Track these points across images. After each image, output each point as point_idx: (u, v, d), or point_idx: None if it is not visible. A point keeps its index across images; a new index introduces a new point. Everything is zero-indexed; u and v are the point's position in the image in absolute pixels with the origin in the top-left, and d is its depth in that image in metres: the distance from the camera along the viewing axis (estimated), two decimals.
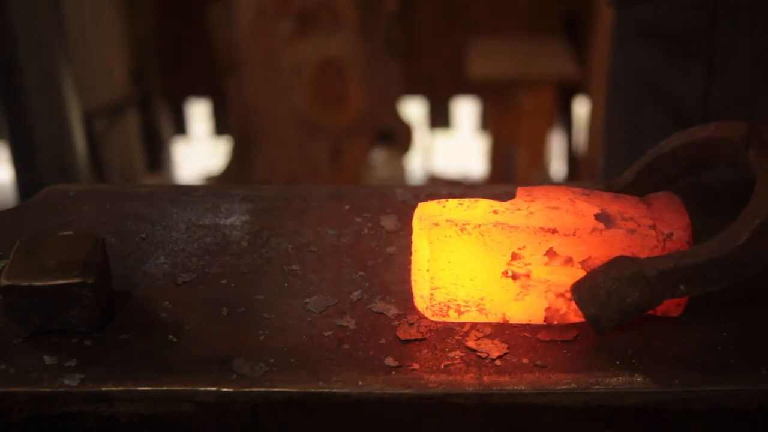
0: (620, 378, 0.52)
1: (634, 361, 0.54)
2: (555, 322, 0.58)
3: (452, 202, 0.58)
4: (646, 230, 0.57)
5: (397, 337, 0.56)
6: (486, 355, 0.54)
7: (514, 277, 0.57)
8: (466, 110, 3.27)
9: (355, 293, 0.61)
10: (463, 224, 0.56)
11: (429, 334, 0.56)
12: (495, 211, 0.57)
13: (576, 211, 0.57)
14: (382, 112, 2.64)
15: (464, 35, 2.88)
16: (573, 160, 2.93)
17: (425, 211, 0.58)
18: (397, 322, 0.57)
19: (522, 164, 2.74)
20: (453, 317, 0.58)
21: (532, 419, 0.52)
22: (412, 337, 0.56)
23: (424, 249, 0.57)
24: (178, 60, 3.00)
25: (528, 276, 0.57)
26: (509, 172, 2.77)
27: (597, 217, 0.57)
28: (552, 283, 0.57)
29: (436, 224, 0.56)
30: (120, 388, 0.51)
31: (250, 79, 2.55)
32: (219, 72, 2.65)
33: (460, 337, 0.56)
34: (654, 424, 0.52)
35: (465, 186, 0.76)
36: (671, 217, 0.58)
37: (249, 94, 2.56)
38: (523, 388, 0.52)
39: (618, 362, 0.54)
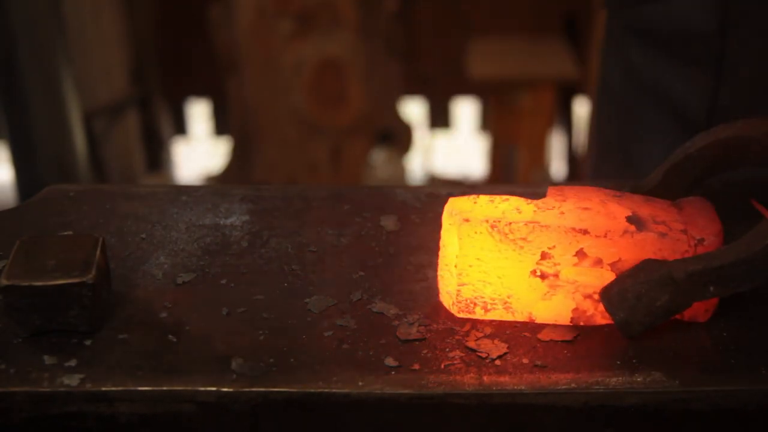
0: (620, 378, 0.52)
1: (634, 361, 0.54)
2: (581, 323, 0.58)
3: (483, 199, 0.58)
4: (678, 234, 0.56)
5: (397, 337, 0.56)
6: (486, 355, 0.54)
7: (543, 276, 0.57)
8: (466, 110, 3.27)
9: (355, 293, 0.61)
10: (495, 221, 0.56)
11: (429, 334, 0.56)
12: (526, 210, 0.57)
13: (608, 212, 0.57)
14: (382, 112, 2.64)
15: (464, 35, 2.88)
16: (573, 160, 2.93)
17: (456, 207, 0.57)
18: (397, 322, 0.57)
19: (522, 164, 2.74)
20: (479, 314, 0.58)
21: (532, 419, 0.52)
22: (412, 337, 0.56)
23: (453, 245, 0.57)
24: (178, 60, 3.00)
25: (557, 276, 0.57)
26: (509, 172, 2.77)
27: (629, 219, 0.57)
28: (580, 284, 0.57)
29: (467, 220, 0.56)
30: (120, 388, 0.51)
31: (250, 79, 2.55)
32: (219, 72, 2.65)
33: (460, 337, 0.56)
34: (654, 424, 0.52)
35: (465, 186, 0.76)
36: (703, 222, 0.58)
37: (249, 94, 2.56)
38: (523, 388, 0.52)
39: (618, 362, 0.54)
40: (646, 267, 0.55)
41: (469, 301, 0.58)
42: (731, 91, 0.85)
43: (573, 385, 0.52)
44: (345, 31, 2.48)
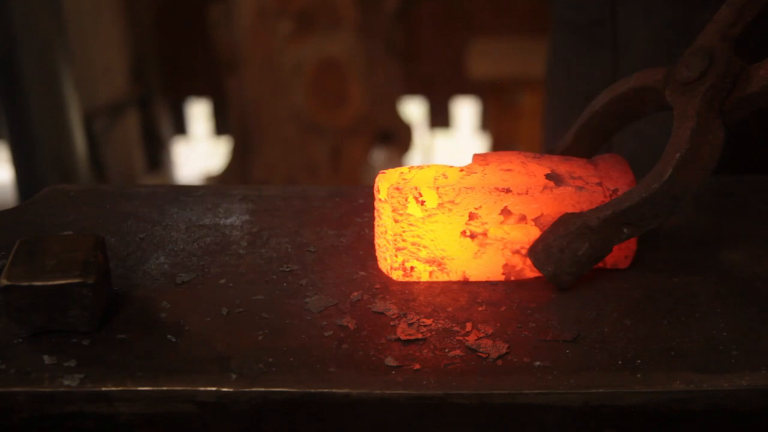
0: (620, 378, 0.52)
1: (634, 361, 0.54)
2: (512, 278, 0.62)
3: (410, 169, 0.62)
4: (594, 187, 0.61)
5: (397, 337, 0.56)
6: (486, 355, 0.54)
7: (472, 236, 0.61)
8: (466, 110, 3.27)
9: (355, 293, 0.61)
10: (423, 188, 0.59)
11: (429, 334, 0.56)
12: (452, 175, 0.61)
13: (528, 171, 0.61)
14: (382, 112, 2.64)
15: (464, 35, 2.88)
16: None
17: (386, 177, 0.61)
18: (397, 322, 0.57)
19: None
20: (416, 277, 0.61)
21: (532, 419, 0.52)
22: (412, 337, 0.56)
23: (387, 214, 0.60)
24: (178, 60, 3.00)
25: (485, 234, 0.61)
26: None
27: (547, 176, 0.61)
28: (508, 241, 0.61)
29: (398, 189, 0.59)
30: (120, 388, 0.51)
31: (250, 79, 2.55)
32: (219, 72, 2.65)
33: (460, 337, 0.56)
34: (654, 424, 0.52)
35: None
36: (617, 174, 0.62)
37: (249, 94, 2.56)
38: (523, 388, 0.52)
39: (618, 362, 0.54)
40: (564, 220, 0.59)
41: (406, 264, 0.61)
42: (626, 70, 0.95)
43: (573, 385, 0.52)
44: (345, 31, 2.48)
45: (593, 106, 0.68)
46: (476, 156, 0.63)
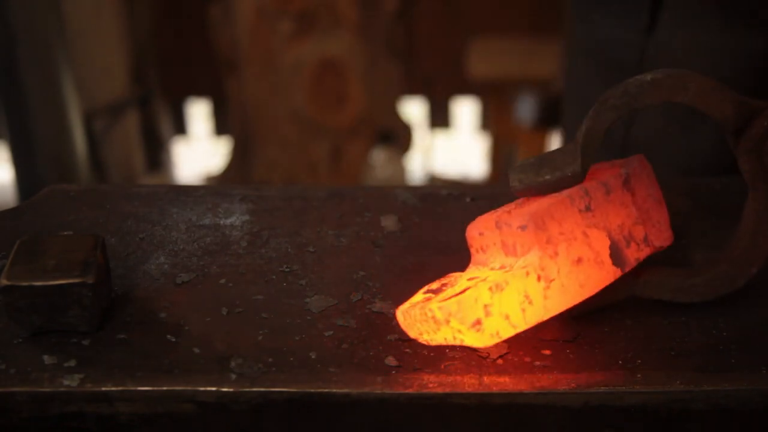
0: (620, 378, 0.52)
1: (634, 361, 0.54)
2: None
3: (492, 294, 0.53)
4: (644, 249, 0.57)
5: (398, 337, 0.56)
6: (486, 355, 0.54)
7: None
8: (466, 110, 3.27)
9: (355, 293, 0.61)
10: (508, 330, 0.54)
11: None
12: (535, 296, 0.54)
13: (597, 258, 0.55)
14: (382, 112, 2.64)
15: (464, 35, 2.88)
16: None
17: (463, 307, 0.53)
18: (397, 322, 0.57)
19: None
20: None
21: (532, 419, 0.52)
22: (412, 337, 0.56)
23: (449, 333, 0.54)
24: (178, 60, 3.00)
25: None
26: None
27: (612, 258, 0.56)
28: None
29: (478, 328, 0.53)
30: (120, 388, 0.51)
31: (250, 79, 2.54)
32: (219, 72, 2.65)
33: None
34: (654, 424, 0.52)
35: (465, 186, 0.76)
36: (656, 216, 0.58)
37: (249, 94, 2.56)
38: (523, 388, 0.52)
39: (618, 362, 0.54)
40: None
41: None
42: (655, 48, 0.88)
43: (573, 385, 0.52)
44: (345, 31, 2.48)
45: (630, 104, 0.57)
46: (537, 231, 0.55)
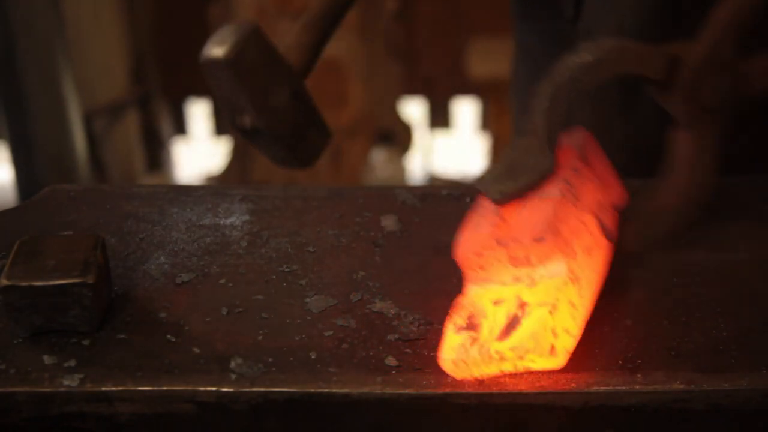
0: (620, 378, 0.52)
1: (634, 361, 0.54)
2: None
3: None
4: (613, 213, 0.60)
5: (398, 337, 0.56)
6: None
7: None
8: (466, 110, 3.27)
9: (355, 293, 0.61)
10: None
11: (429, 334, 0.56)
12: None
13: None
14: (382, 112, 2.64)
15: (464, 35, 2.87)
16: None
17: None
18: (397, 322, 0.57)
19: None
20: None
21: (532, 419, 0.52)
22: (412, 337, 0.56)
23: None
24: (178, 60, 2.99)
25: None
26: None
27: (604, 234, 0.58)
28: None
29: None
30: (120, 388, 0.51)
31: None
32: None
33: None
34: (654, 424, 0.52)
35: (465, 186, 0.76)
36: (610, 179, 0.61)
37: None
38: (523, 388, 0.52)
39: (618, 362, 0.54)
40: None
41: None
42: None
43: (573, 385, 0.52)
44: (345, 31, 2.47)
45: (571, 83, 0.58)
46: (555, 239, 0.55)
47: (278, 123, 0.73)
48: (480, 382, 0.52)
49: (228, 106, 0.73)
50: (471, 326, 0.54)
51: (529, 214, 0.56)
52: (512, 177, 0.56)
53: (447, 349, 0.53)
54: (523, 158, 0.57)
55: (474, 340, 0.53)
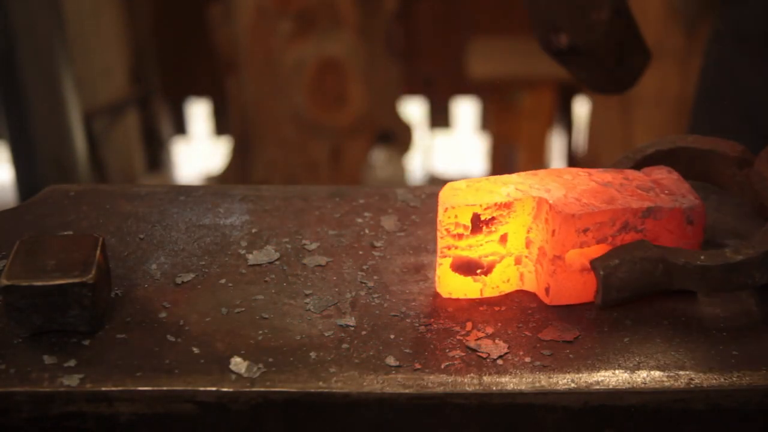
0: (620, 378, 0.52)
1: (634, 361, 0.54)
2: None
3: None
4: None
5: (398, 337, 0.56)
6: (486, 355, 0.54)
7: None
8: (466, 110, 3.27)
9: (355, 293, 0.61)
10: None
11: (429, 334, 0.56)
12: None
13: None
14: (382, 112, 2.64)
15: (464, 35, 2.88)
16: (573, 160, 2.92)
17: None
18: (398, 322, 0.57)
19: (522, 164, 2.74)
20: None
21: (532, 419, 0.52)
22: (413, 337, 0.56)
23: None
24: (178, 60, 3.00)
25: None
26: (509, 172, 2.76)
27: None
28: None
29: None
30: (120, 388, 0.51)
31: (250, 79, 2.54)
32: (219, 72, 2.65)
33: (460, 337, 0.56)
34: (654, 424, 0.52)
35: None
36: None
37: (249, 94, 2.56)
38: (523, 388, 0.52)
39: (618, 362, 0.54)
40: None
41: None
42: None
43: (573, 385, 0.52)
44: (345, 31, 2.48)
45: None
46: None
47: (597, 42, 0.68)
48: (480, 381, 0.52)
49: (542, 24, 0.68)
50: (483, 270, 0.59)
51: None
52: None
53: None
54: None
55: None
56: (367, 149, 2.63)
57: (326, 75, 2.51)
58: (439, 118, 3.21)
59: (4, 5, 2.08)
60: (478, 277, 0.59)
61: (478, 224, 0.58)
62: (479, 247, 0.59)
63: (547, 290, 0.59)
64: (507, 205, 0.58)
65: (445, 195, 0.58)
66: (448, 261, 0.59)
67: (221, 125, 3.14)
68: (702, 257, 0.56)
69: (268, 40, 2.50)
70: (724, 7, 0.97)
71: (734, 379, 0.52)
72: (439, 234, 0.58)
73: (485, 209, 0.58)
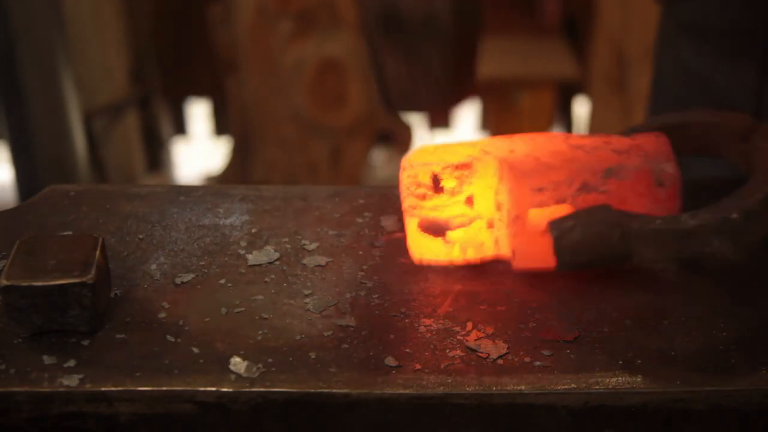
0: (620, 378, 0.52)
1: (634, 361, 0.54)
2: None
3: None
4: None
5: (398, 337, 0.56)
6: (486, 355, 0.54)
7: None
8: (466, 110, 3.27)
9: (355, 293, 0.61)
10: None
11: (429, 334, 0.56)
12: None
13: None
14: (382, 112, 2.64)
15: None
16: None
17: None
18: (398, 322, 0.57)
19: None
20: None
21: (532, 419, 0.52)
22: (413, 337, 0.56)
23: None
24: (178, 60, 3.00)
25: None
26: None
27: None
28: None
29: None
30: (120, 388, 0.51)
31: (250, 79, 2.54)
32: (219, 72, 2.65)
33: (460, 337, 0.56)
34: (654, 424, 0.52)
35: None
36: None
37: (249, 94, 2.56)
38: (523, 388, 0.52)
39: (618, 362, 0.54)
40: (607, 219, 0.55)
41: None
42: None
43: (573, 385, 0.52)
44: (345, 31, 2.48)
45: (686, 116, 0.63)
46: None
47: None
48: (480, 381, 0.52)
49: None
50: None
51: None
52: None
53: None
54: None
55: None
56: (367, 149, 2.63)
57: (326, 75, 2.51)
58: (439, 119, 3.21)
59: (4, 5, 2.08)
60: (448, 239, 0.59)
61: (438, 184, 0.58)
62: (445, 208, 0.59)
63: (513, 254, 0.58)
64: (466, 165, 0.58)
65: (411, 155, 0.58)
66: (414, 221, 0.59)
67: (221, 125, 3.14)
68: (658, 221, 0.54)
69: (268, 40, 2.50)
70: (681, 2, 0.99)
71: (734, 379, 0.52)
72: (402, 194, 0.59)
73: (444, 168, 0.58)
